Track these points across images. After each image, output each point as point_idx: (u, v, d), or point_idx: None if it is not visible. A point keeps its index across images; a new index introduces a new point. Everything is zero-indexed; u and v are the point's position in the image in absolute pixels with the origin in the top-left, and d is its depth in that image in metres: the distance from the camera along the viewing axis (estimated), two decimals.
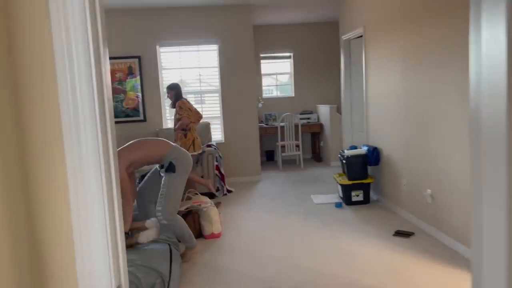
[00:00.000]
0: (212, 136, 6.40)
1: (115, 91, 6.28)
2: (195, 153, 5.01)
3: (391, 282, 2.94)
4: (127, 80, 6.28)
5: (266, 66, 8.37)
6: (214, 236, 4.03)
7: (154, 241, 3.20)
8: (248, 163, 6.56)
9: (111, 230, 0.97)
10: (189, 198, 4.35)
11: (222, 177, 5.82)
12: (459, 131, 3.27)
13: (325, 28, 8.23)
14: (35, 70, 0.89)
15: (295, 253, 3.56)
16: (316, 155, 8.14)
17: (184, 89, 6.53)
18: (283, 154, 7.44)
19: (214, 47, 6.41)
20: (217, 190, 5.74)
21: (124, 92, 6.30)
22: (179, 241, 3.87)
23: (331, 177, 6.40)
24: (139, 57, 6.25)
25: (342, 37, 6.05)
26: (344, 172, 5.14)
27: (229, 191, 5.89)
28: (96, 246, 0.96)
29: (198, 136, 5.96)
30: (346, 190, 4.90)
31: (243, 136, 6.52)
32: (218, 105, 6.56)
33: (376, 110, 4.96)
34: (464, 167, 3.24)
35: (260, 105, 7.95)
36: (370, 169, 5.19)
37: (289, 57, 8.36)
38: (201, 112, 5.29)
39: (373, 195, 5.18)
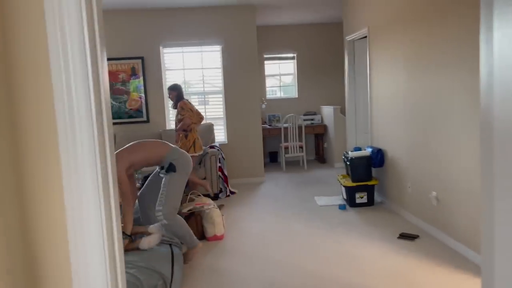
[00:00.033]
0: (215, 137, 6.37)
1: (118, 92, 6.27)
2: (196, 154, 4.99)
3: (395, 286, 2.89)
4: (130, 81, 6.27)
5: (270, 67, 8.34)
6: (217, 238, 4.00)
7: None
8: (251, 164, 6.53)
9: (108, 230, 0.94)
10: (191, 200, 4.33)
11: (225, 179, 5.80)
12: (465, 133, 3.23)
13: (329, 29, 8.19)
14: (30, 70, 0.87)
15: (298, 256, 3.52)
16: (320, 157, 8.09)
17: (187, 90, 6.52)
18: (286, 155, 7.40)
19: (218, 47, 6.39)
20: (220, 191, 5.71)
21: (127, 93, 6.29)
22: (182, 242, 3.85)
23: (335, 178, 6.36)
24: (142, 58, 6.23)
25: (346, 38, 6.01)
26: (348, 173, 5.09)
27: (232, 193, 5.86)
28: (92, 246, 0.94)
29: (200, 137, 5.95)
30: (350, 192, 4.85)
31: (246, 137, 6.49)
32: (221, 106, 6.53)
33: (380, 111, 4.92)
34: (470, 169, 3.19)
35: (263, 106, 7.92)
36: (374, 171, 5.14)
37: (292, 58, 8.32)
38: (202, 113, 5.27)
39: (377, 197, 5.13)
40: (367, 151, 4.94)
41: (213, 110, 6.57)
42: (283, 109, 8.25)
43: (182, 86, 6.45)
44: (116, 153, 3.21)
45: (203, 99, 6.58)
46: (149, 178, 3.60)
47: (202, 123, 5.29)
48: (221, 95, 6.51)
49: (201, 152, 5.12)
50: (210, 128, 6.18)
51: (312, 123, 7.87)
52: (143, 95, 6.30)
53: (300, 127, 7.46)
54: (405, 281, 2.96)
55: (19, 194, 0.97)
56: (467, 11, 3.09)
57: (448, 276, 3.01)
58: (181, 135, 5.04)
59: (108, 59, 6.19)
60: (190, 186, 5.04)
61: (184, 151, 3.49)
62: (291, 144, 7.34)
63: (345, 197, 5.02)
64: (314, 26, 8.18)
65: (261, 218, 4.65)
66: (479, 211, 3.13)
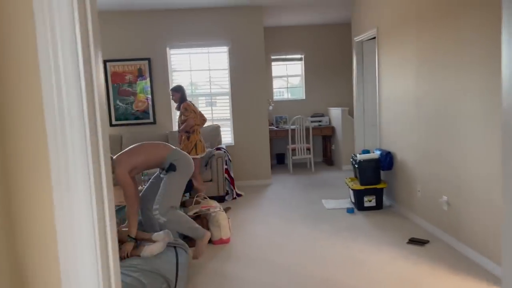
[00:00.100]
0: (222, 139, 6.33)
1: (124, 93, 6.26)
2: (198, 156, 4.94)
3: None
4: (137, 82, 6.26)
5: (277, 68, 8.28)
6: (223, 241, 3.95)
7: None
8: (258, 167, 6.48)
9: (100, 230, 0.90)
10: (197, 203, 4.28)
11: (231, 181, 5.75)
12: (479, 136, 3.14)
13: (337, 30, 8.12)
14: (18, 72, 0.84)
15: (305, 261, 3.45)
16: (328, 159, 8.01)
17: (194, 92, 6.49)
18: (293, 157, 7.34)
19: (225, 49, 6.35)
20: (226, 194, 5.67)
21: (134, 94, 6.27)
22: (187, 239, 3.79)
23: (343, 181, 6.28)
24: (149, 59, 6.22)
25: (355, 38, 5.94)
26: (356, 176, 5.02)
27: (238, 195, 5.81)
28: (82, 247, 0.89)
29: (207, 138, 5.91)
30: (358, 195, 4.78)
31: (253, 139, 6.44)
32: (228, 107, 6.49)
33: (389, 114, 4.84)
34: (484, 174, 3.11)
35: (270, 107, 7.86)
36: (383, 174, 5.07)
37: (300, 59, 8.26)
38: (206, 115, 5.24)
39: (386, 201, 5.04)
40: (376, 154, 4.86)
41: (219, 112, 6.53)
42: (291, 111, 8.18)
43: (189, 88, 6.44)
44: (117, 155, 3.18)
45: (209, 101, 6.54)
46: (150, 180, 3.58)
47: (206, 125, 5.26)
48: (228, 97, 6.47)
49: (203, 154, 5.07)
50: (216, 129, 6.14)
51: (320, 125, 7.80)
52: (149, 96, 6.28)
53: (307, 129, 7.39)
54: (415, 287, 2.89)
55: (6, 194, 0.94)
56: (482, 12, 3.02)
57: (460, 283, 2.92)
58: (183, 137, 5.00)
59: (115, 60, 6.18)
60: (196, 189, 5.00)
61: (186, 152, 3.47)
62: (298, 146, 7.27)
63: (353, 200, 4.94)
64: (322, 27, 8.11)
65: (268, 221, 4.59)
66: (492, 217, 3.04)
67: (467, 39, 3.18)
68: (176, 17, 6.19)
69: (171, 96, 5.08)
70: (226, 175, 5.66)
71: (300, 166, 7.86)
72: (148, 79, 6.25)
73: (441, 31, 3.56)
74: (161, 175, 3.41)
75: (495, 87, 2.89)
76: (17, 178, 0.94)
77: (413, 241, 3.74)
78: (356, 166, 4.85)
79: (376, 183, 4.74)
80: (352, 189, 4.86)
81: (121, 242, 3.11)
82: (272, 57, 8.13)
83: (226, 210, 4.63)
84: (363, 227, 4.22)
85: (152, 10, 6.14)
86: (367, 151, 5.04)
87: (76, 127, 0.82)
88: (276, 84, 8.36)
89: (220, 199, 5.47)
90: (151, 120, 6.33)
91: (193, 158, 4.81)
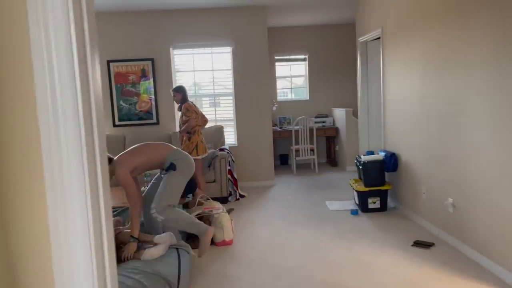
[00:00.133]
0: (225, 140, 6.30)
1: (128, 93, 6.25)
2: (199, 157, 4.91)
3: None
4: (140, 82, 6.24)
5: (281, 68, 8.25)
6: (226, 243, 3.92)
7: None
8: (262, 167, 6.45)
9: (95, 230, 0.87)
10: (200, 204, 4.26)
11: (234, 182, 5.72)
12: (485, 136, 3.10)
13: (341, 30, 8.07)
14: (11, 71, 0.81)
15: (308, 263, 3.42)
16: (331, 160, 7.97)
17: (197, 92, 6.47)
18: (297, 158, 7.30)
19: (228, 49, 6.32)
20: (230, 195, 5.64)
21: (137, 94, 6.26)
22: (190, 240, 3.77)
23: (347, 182, 6.23)
24: (152, 60, 6.20)
25: (359, 39, 5.90)
26: (360, 178, 4.98)
27: (241, 196, 5.78)
28: (77, 247, 0.86)
29: (210, 139, 5.89)
30: (363, 197, 4.74)
31: (256, 139, 6.41)
32: (231, 108, 6.47)
33: (394, 114, 4.80)
34: (491, 176, 3.06)
35: (274, 108, 7.83)
36: (387, 175, 5.02)
37: (304, 60, 8.23)
38: (207, 116, 5.21)
39: (390, 203, 5.00)
40: (380, 155, 4.82)
41: (223, 112, 6.51)
42: (294, 111, 8.15)
43: (192, 88, 6.42)
44: (119, 156, 3.17)
45: (213, 101, 6.52)
46: (151, 181, 3.56)
47: (208, 125, 5.23)
48: (231, 97, 6.44)
49: (204, 155, 5.04)
50: (220, 130, 6.12)
51: (324, 126, 7.76)
52: (153, 96, 6.27)
53: (311, 130, 7.35)
54: None
55: None
56: (490, 10, 2.97)
57: (464, 285, 2.88)
58: (184, 138, 4.98)
59: (118, 61, 6.17)
60: (200, 190, 4.98)
61: (187, 153, 3.45)
62: (302, 147, 7.24)
63: (357, 202, 4.90)
64: (326, 27, 8.07)
65: (271, 223, 4.56)
66: (500, 220, 2.99)
67: (476, 38, 3.14)
68: (180, 17, 6.17)
69: (172, 97, 5.06)
70: (229, 176, 5.64)
71: (304, 167, 7.83)
72: (151, 80, 6.24)
73: (449, 29, 3.51)
74: (162, 175, 3.39)
75: (504, 86, 2.84)
76: (9, 178, 0.92)
77: (418, 244, 3.69)
78: (361, 167, 4.81)
79: (380, 184, 4.70)
80: (356, 191, 4.82)
81: (123, 243, 3.09)
82: (276, 57, 8.10)
83: (229, 211, 4.61)
84: (367, 229, 4.18)
85: (155, 10, 6.13)
86: (372, 152, 5.00)
87: (71, 127, 0.80)
88: (280, 84, 8.33)
89: (223, 200, 5.45)
90: (154, 120, 6.32)
91: (194, 159, 4.78)
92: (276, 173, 7.15)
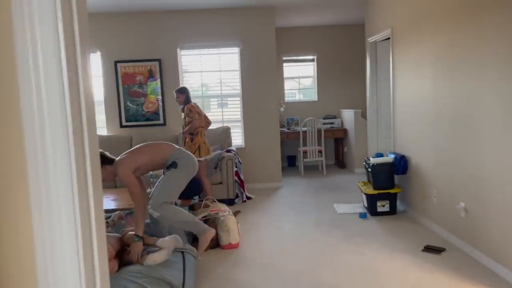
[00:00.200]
0: (232, 141, 6.25)
1: (135, 94, 6.23)
2: (201, 158, 4.86)
3: None
4: (147, 83, 6.22)
5: (289, 69, 8.19)
6: (232, 246, 3.87)
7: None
8: (269, 169, 6.38)
9: (84, 232, 0.81)
10: (206, 206, 4.21)
11: (241, 183, 5.67)
12: (498, 139, 3.00)
13: (350, 30, 7.99)
14: None
15: (315, 267, 3.35)
16: (340, 162, 7.88)
17: (205, 93, 6.43)
18: (305, 159, 7.23)
19: (236, 50, 6.27)
20: (236, 196, 5.59)
21: (145, 95, 6.24)
22: (195, 243, 3.71)
23: (355, 185, 6.15)
24: (159, 60, 6.18)
25: (368, 39, 5.82)
26: (369, 180, 4.90)
27: (248, 198, 5.73)
28: (63, 249, 0.80)
29: (212, 140, 5.83)
30: (371, 200, 4.65)
31: (264, 141, 6.35)
32: (238, 109, 6.42)
33: (404, 116, 4.71)
34: (504, 179, 2.96)
35: (281, 109, 7.76)
36: (397, 178, 4.93)
37: (312, 60, 8.15)
38: (210, 118, 5.18)
39: (400, 206, 4.91)
40: (390, 158, 4.73)
41: (230, 113, 6.46)
42: (302, 113, 8.07)
43: (200, 89, 6.38)
44: (121, 156, 3.14)
45: (220, 102, 6.48)
46: (157, 183, 3.52)
47: (214, 127, 5.19)
48: (238, 98, 6.39)
49: (207, 157, 4.99)
50: (226, 131, 6.07)
51: (332, 127, 7.68)
52: (160, 97, 6.24)
53: (319, 131, 7.28)
54: None
55: None
56: (507, 9, 2.88)
57: None
58: (187, 139, 4.95)
59: (125, 61, 6.16)
60: (205, 192, 4.94)
61: (190, 152, 3.40)
62: (310, 149, 7.16)
63: (366, 205, 4.82)
64: (335, 28, 7.99)
65: (278, 226, 4.49)
66: None
67: (491, 37, 3.04)
68: (187, 18, 6.14)
69: (175, 98, 5.03)
70: (236, 177, 5.59)
71: (312, 169, 7.75)
72: (158, 80, 6.22)
73: (462, 28, 3.42)
74: (163, 174, 3.36)
75: None
76: None
77: (428, 249, 3.60)
78: (369, 169, 4.73)
79: (389, 187, 4.61)
80: (365, 194, 4.74)
81: (127, 245, 3.05)
82: (284, 58, 8.03)
83: (236, 213, 4.56)
84: (376, 233, 4.10)
85: (162, 11, 6.10)
86: (381, 155, 4.91)
87: (58, 127, 0.75)
88: (288, 85, 8.26)
89: (230, 202, 5.40)
90: (161, 121, 6.29)
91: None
92: (283, 174, 7.09)
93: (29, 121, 0.74)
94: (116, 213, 3.27)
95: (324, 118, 7.79)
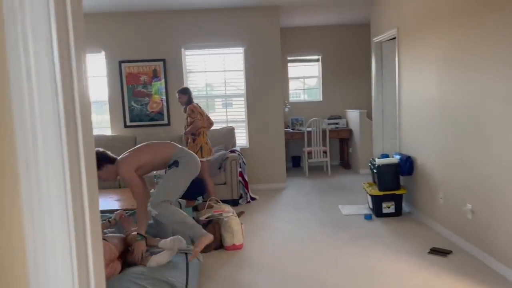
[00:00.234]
0: (236, 141, 6.22)
1: (139, 94, 6.22)
2: (203, 159, 4.84)
3: None
4: (152, 83, 6.21)
5: (294, 69, 8.15)
6: (235, 247, 3.84)
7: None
8: (273, 170, 6.35)
9: (78, 233, 0.78)
10: (210, 207, 4.19)
11: (245, 184, 5.64)
12: (506, 139, 2.95)
13: (355, 30, 7.94)
14: None
15: (319, 269, 3.31)
16: (345, 162, 7.83)
17: (209, 93, 6.41)
18: (309, 160, 7.18)
19: (240, 49, 6.25)
20: (240, 197, 5.56)
21: (149, 95, 6.23)
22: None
23: (360, 185, 6.10)
24: (164, 60, 6.16)
25: (374, 39, 5.77)
26: (374, 181, 4.85)
27: (252, 199, 5.70)
28: (55, 250, 0.77)
29: (216, 141, 5.81)
30: (377, 201, 4.61)
31: (268, 141, 6.32)
32: (243, 109, 6.39)
33: (410, 116, 4.66)
34: None
35: (286, 109, 7.73)
36: (402, 179, 4.88)
37: (317, 60, 8.11)
38: (212, 119, 5.15)
39: (405, 207, 4.85)
40: (395, 158, 4.68)
41: (234, 113, 6.44)
42: (307, 113, 8.03)
43: (204, 89, 6.36)
44: (123, 154, 3.12)
45: (224, 102, 6.45)
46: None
47: (218, 127, 5.16)
48: (243, 98, 6.36)
49: (209, 158, 4.96)
50: (231, 131, 6.04)
51: (337, 128, 7.63)
52: (164, 97, 6.23)
53: (324, 131, 7.23)
54: None
55: None
56: (509, 6, 2.83)
57: None
58: (189, 139, 4.92)
59: (130, 61, 6.15)
60: (208, 193, 4.91)
61: (193, 152, 3.37)
62: (314, 149, 7.12)
63: (371, 206, 4.77)
64: (340, 28, 7.94)
65: (282, 227, 4.46)
66: None
67: (499, 37, 2.99)
68: (191, 17, 6.12)
69: (178, 98, 5.01)
70: (240, 178, 5.56)
71: (316, 170, 7.70)
72: (163, 80, 6.20)
73: (468, 29, 3.37)
74: (165, 172, 3.33)
75: None
76: None
77: (435, 251, 3.55)
78: (375, 170, 4.68)
79: (395, 188, 4.56)
80: (370, 195, 4.69)
81: (130, 246, 3.03)
82: (289, 58, 8.00)
83: (239, 214, 4.53)
84: (381, 235, 4.06)
85: (167, 10, 6.09)
86: (386, 155, 4.86)
87: (51, 126, 0.73)
88: (293, 85, 8.22)
89: (234, 203, 5.37)
90: (166, 121, 6.27)
91: None
92: (288, 175, 7.05)
93: (21, 121, 0.72)
94: (117, 212, 3.25)
95: (329, 119, 7.75)
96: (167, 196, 3.10)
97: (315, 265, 3.40)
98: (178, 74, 6.21)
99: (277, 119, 6.29)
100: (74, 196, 0.74)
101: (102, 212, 3.82)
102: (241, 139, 6.40)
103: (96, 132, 6.31)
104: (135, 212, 3.66)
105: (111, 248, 2.73)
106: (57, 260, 0.74)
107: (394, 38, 5.12)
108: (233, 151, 5.63)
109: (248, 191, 5.65)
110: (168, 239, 2.99)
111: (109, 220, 3.22)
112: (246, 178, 5.71)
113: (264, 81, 6.22)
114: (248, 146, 6.32)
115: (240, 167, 5.61)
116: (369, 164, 4.95)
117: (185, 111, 5.00)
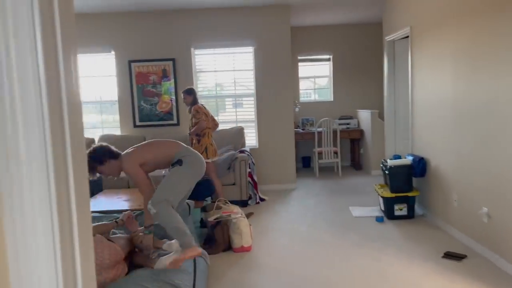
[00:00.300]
0: (246, 141, 6.17)
1: (149, 94, 6.21)
2: (208, 160, 4.79)
3: None
4: (161, 83, 6.19)
5: (304, 69, 8.07)
6: (244, 249, 3.78)
7: None
8: (283, 170, 6.28)
9: (62, 233, 0.73)
10: (219, 208, 4.14)
11: (254, 185, 5.58)
12: None
13: (366, 29, 7.82)
14: None
15: (330, 274, 3.24)
16: (356, 163, 7.73)
17: (219, 93, 6.37)
18: (320, 161, 7.10)
19: (250, 49, 6.19)
20: (250, 198, 5.51)
21: (158, 95, 6.21)
22: (207, 245, 3.63)
23: (372, 187, 6.00)
24: (173, 60, 6.14)
25: (386, 38, 5.66)
26: (386, 183, 4.75)
27: (262, 200, 5.64)
28: (38, 254, 0.73)
29: (222, 141, 5.76)
30: (388, 203, 4.51)
31: (278, 141, 6.26)
32: (252, 109, 6.33)
33: (423, 117, 4.55)
34: None
35: (296, 109, 7.65)
36: (415, 181, 4.77)
37: (328, 60, 8.01)
38: (217, 120, 5.11)
39: (418, 210, 4.75)
40: (408, 160, 4.58)
41: (244, 113, 6.38)
42: (317, 113, 7.94)
43: (214, 89, 6.33)
44: (127, 150, 3.09)
45: (234, 102, 6.41)
46: None
47: (224, 127, 5.11)
48: (252, 98, 6.31)
49: (214, 159, 4.91)
50: (240, 131, 5.99)
51: (348, 128, 7.52)
52: (173, 97, 6.21)
53: (335, 132, 7.14)
54: None
55: None
56: None
57: None
58: (194, 140, 4.88)
59: (139, 61, 6.14)
60: (216, 194, 4.87)
61: (198, 152, 3.31)
62: (325, 150, 7.03)
63: (382, 208, 4.67)
64: (351, 27, 7.83)
65: (291, 229, 4.39)
66: None
67: None
68: (201, 17, 6.09)
69: (183, 99, 4.98)
70: (249, 178, 5.50)
71: (327, 170, 7.61)
72: (172, 80, 6.18)
73: (484, 26, 3.27)
74: (168, 171, 3.28)
75: None
76: None
77: (449, 255, 3.45)
78: (387, 172, 4.58)
79: (407, 190, 4.46)
80: (381, 196, 4.60)
81: (137, 248, 3.00)
82: (299, 57, 7.92)
83: (248, 215, 4.48)
84: (393, 238, 3.96)
85: (176, 10, 6.06)
86: (399, 156, 4.76)
87: (34, 127, 0.70)
88: (303, 85, 8.14)
89: (243, 204, 5.32)
90: (175, 121, 6.25)
91: None
92: (298, 176, 6.97)
93: (0, 121, 0.67)
94: (125, 212, 3.22)
95: (340, 119, 7.65)
96: (168, 193, 2.99)
97: (325, 268, 3.33)
98: (188, 73, 6.18)
99: (287, 119, 6.23)
100: (60, 200, 0.69)
101: (110, 212, 3.80)
102: (251, 139, 6.34)
103: (105, 131, 6.32)
104: (143, 213, 3.63)
105: (116, 250, 2.70)
106: (41, 269, 0.69)
107: (407, 36, 5.02)
108: (242, 151, 5.58)
109: (257, 192, 5.59)
110: (173, 241, 2.94)
111: (116, 220, 3.19)
112: (256, 179, 5.65)
113: (274, 81, 6.16)
114: (257, 146, 6.26)
115: (249, 168, 5.55)
116: (381, 165, 4.86)
117: (190, 111, 4.97)
